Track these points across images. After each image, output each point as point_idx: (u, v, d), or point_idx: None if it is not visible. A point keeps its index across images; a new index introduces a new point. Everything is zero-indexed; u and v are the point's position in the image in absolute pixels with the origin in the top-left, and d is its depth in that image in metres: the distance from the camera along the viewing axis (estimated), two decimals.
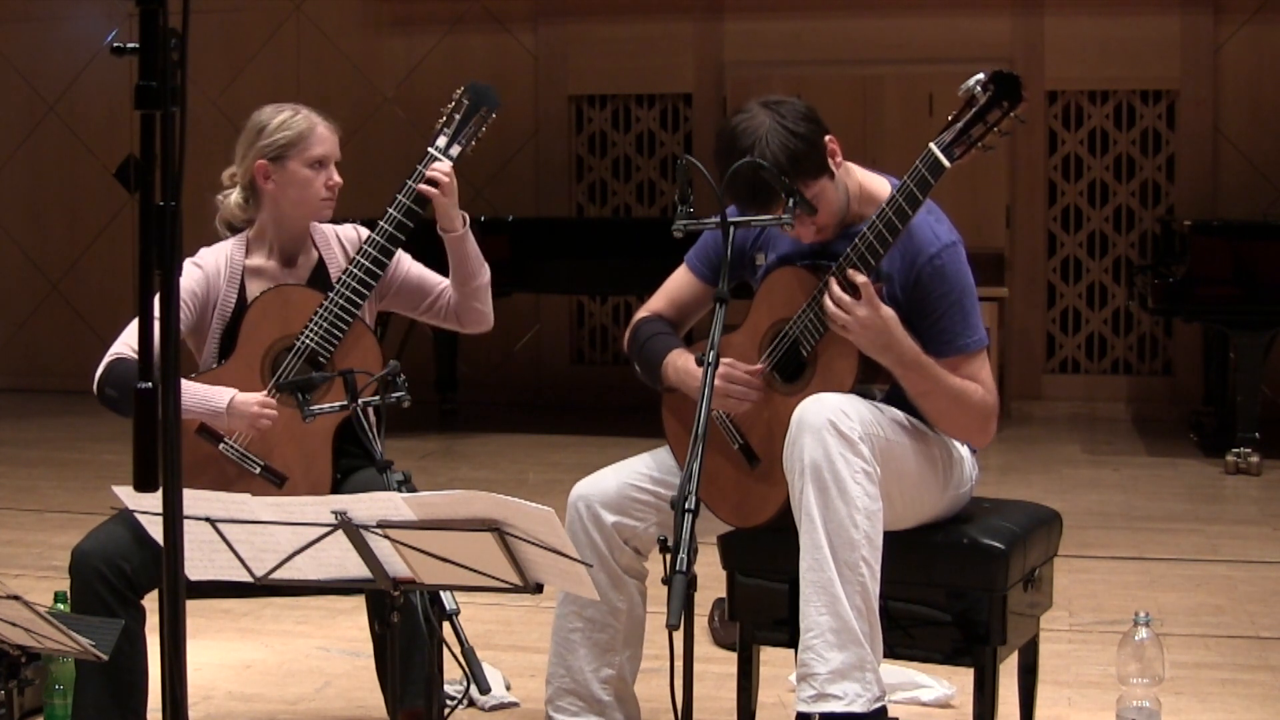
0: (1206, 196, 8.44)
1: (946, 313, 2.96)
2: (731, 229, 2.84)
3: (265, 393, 3.18)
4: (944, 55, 8.42)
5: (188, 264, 3.27)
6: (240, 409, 3.12)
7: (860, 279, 2.84)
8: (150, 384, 1.87)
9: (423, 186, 3.24)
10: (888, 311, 2.85)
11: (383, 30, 9.47)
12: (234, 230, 3.38)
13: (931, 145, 2.84)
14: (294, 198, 3.28)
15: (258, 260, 3.33)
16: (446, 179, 3.26)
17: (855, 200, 3.04)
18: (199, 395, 3.12)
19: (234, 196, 3.35)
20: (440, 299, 3.41)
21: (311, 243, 3.37)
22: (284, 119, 3.29)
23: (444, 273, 3.41)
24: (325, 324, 3.19)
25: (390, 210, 3.24)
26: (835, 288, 2.85)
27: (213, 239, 3.44)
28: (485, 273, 3.38)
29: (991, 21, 8.63)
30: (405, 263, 3.41)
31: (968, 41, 8.57)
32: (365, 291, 3.21)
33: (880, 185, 3.07)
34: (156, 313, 1.90)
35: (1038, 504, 3.31)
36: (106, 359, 3.14)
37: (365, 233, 3.36)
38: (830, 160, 2.95)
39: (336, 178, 3.32)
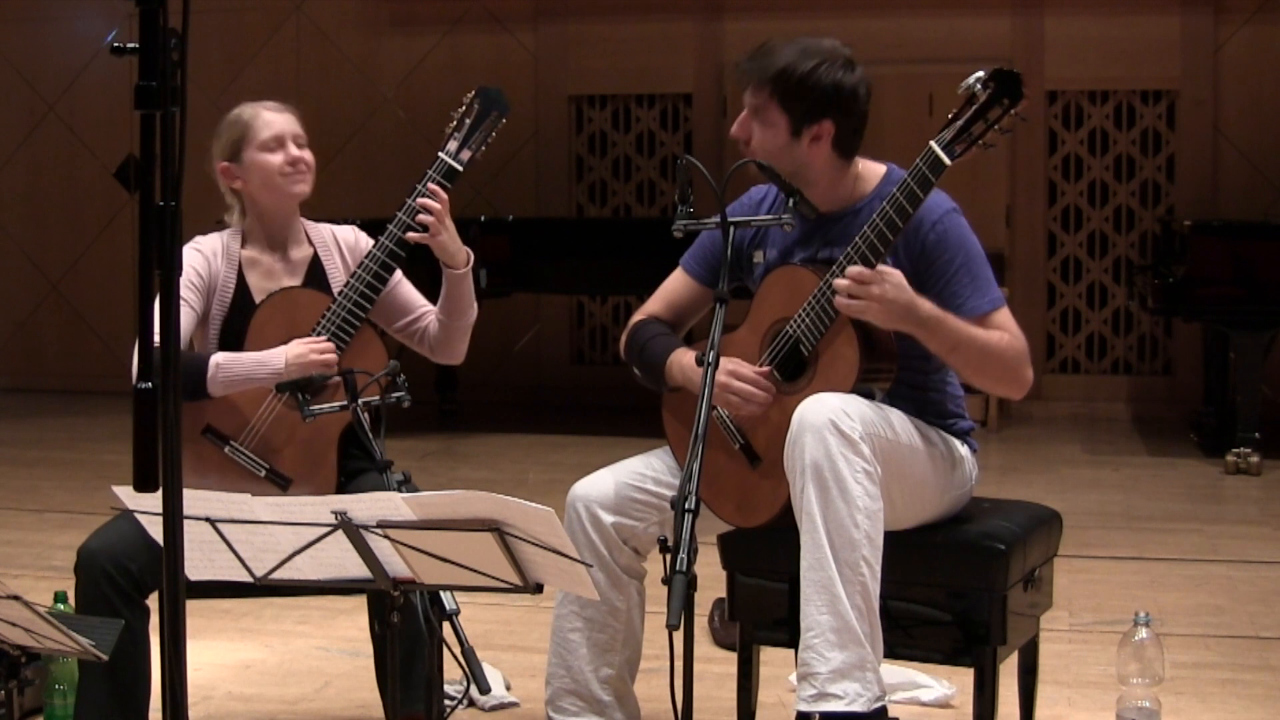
0: (1206, 196, 8.44)
1: (954, 277, 2.95)
2: (731, 229, 2.84)
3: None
4: (944, 55, 8.42)
5: (187, 248, 3.28)
6: (299, 360, 3.12)
7: (856, 269, 2.84)
8: (150, 384, 1.87)
9: (411, 235, 3.20)
10: (894, 274, 2.84)
11: (383, 30, 9.47)
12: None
13: (932, 143, 2.84)
14: (259, 184, 3.30)
15: (252, 251, 3.34)
16: (434, 219, 3.20)
17: (851, 178, 3.06)
18: (255, 361, 3.14)
19: (234, 214, 3.38)
20: (419, 322, 3.40)
21: (306, 237, 3.38)
22: (229, 119, 3.32)
23: (433, 299, 3.40)
24: (333, 328, 3.18)
25: (399, 214, 3.22)
26: (841, 283, 2.84)
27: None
28: (473, 312, 3.37)
29: (991, 21, 8.64)
30: (396, 276, 3.38)
31: (968, 41, 8.57)
32: (373, 295, 3.20)
33: (876, 167, 3.10)
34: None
35: (1038, 504, 3.31)
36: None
37: (364, 236, 3.38)
38: (812, 118, 2.97)
39: (296, 152, 3.30)
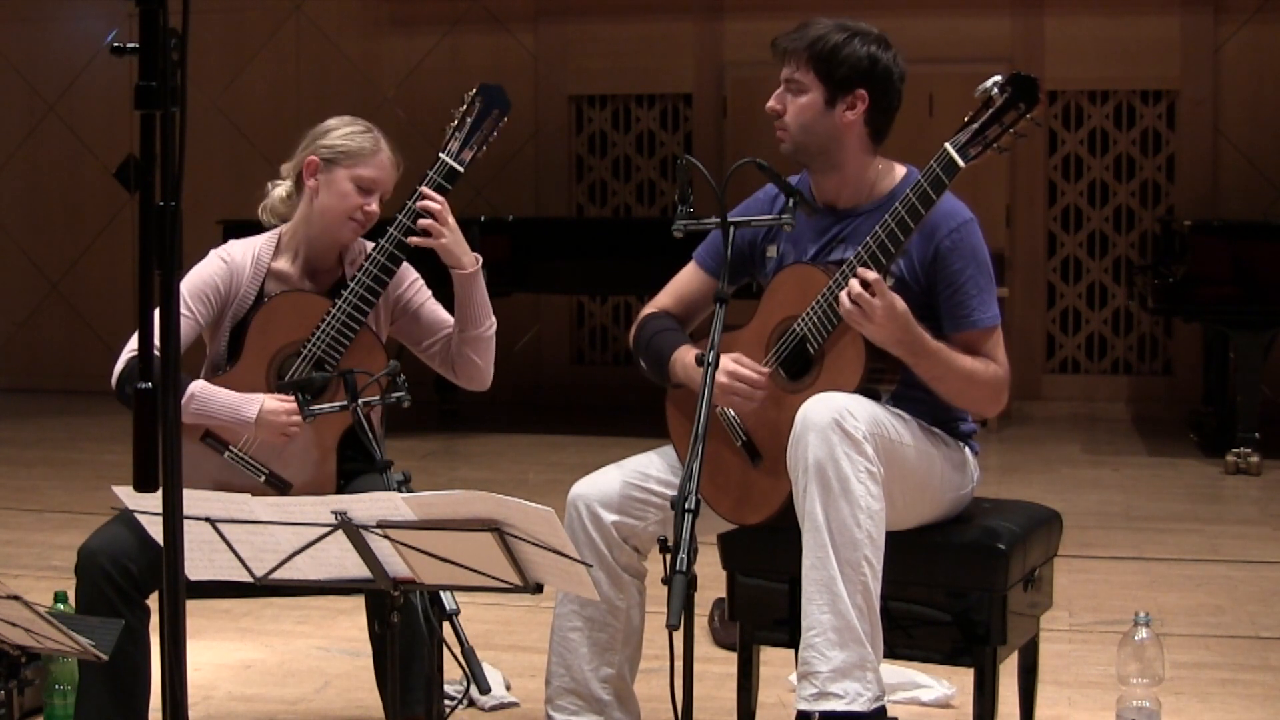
0: (1206, 196, 8.44)
1: (963, 286, 2.98)
2: (732, 229, 2.85)
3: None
4: (944, 55, 8.42)
5: (215, 256, 3.26)
6: (269, 419, 3.11)
7: (872, 275, 2.84)
8: (150, 384, 1.87)
9: (414, 240, 3.17)
10: (901, 305, 2.86)
11: (383, 30, 9.47)
12: (272, 225, 3.34)
13: (947, 145, 2.85)
14: (326, 204, 3.22)
15: (282, 264, 3.28)
16: (435, 222, 3.17)
17: (874, 173, 3.08)
18: (227, 402, 3.11)
19: (281, 189, 3.31)
20: (442, 342, 3.34)
21: (339, 262, 3.32)
22: (354, 130, 3.24)
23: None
24: (333, 331, 3.16)
25: (399, 216, 3.18)
26: (853, 286, 2.85)
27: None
28: (489, 324, 3.29)
29: (991, 21, 8.64)
30: (423, 294, 3.35)
31: (968, 41, 8.57)
32: (372, 299, 3.16)
33: (897, 167, 3.12)
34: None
35: (1038, 504, 3.31)
36: (125, 355, 3.12)
37: None
38: (846, 87, 3.00)
39: (374, 208, 3.23)
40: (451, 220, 3.21)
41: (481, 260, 3.26)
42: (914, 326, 2.87)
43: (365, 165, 3.21)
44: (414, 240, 3.17)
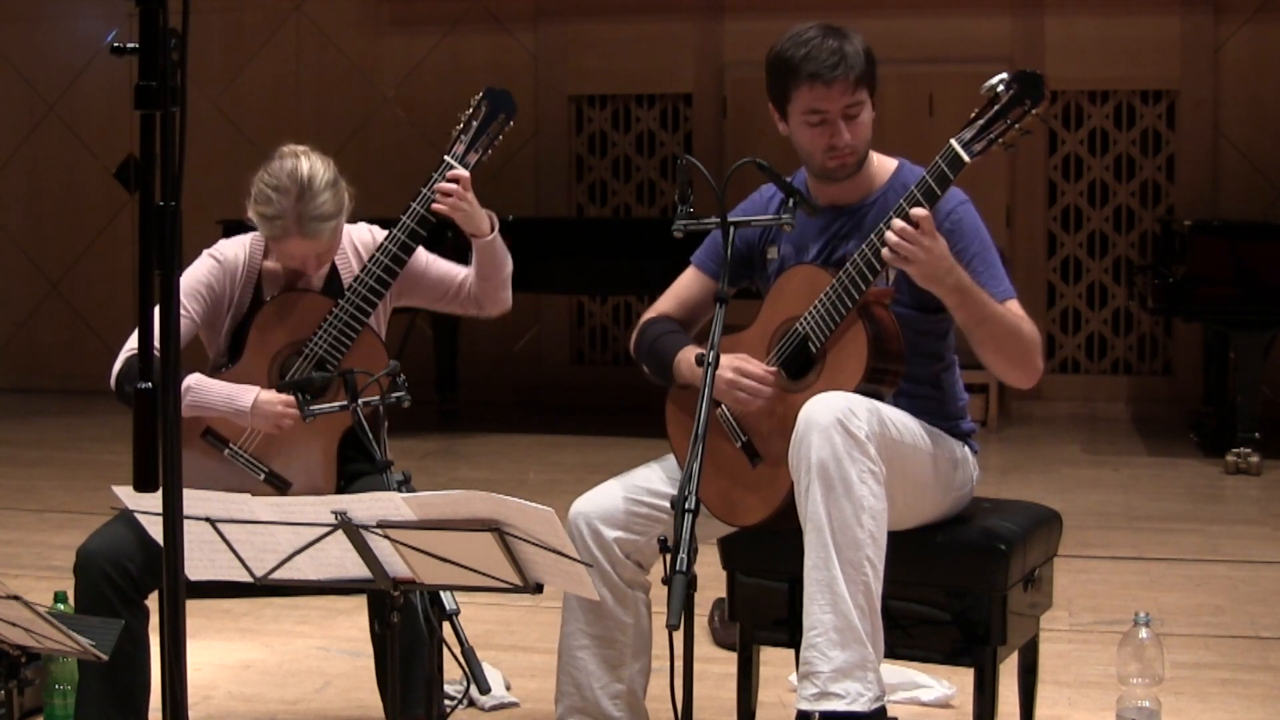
0: (1206, 196, 8.44)
1: (970, 264, 2.96)
2: (732, 229, 2.85)
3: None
4: (944, 55, 8.42)
5: (206, 256, 3.28)
6: (264, 408, 3.12)
7: (920, 213, 2.83)
8: (150, 384, 1.87)
9: (436, 206, 3.20)
10: (944, 243, 2.86)
11: (383, 30, 9.47)
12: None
13: (952, 141, 2.86)
14: (290, 264, 3.27)
15: (273, 262, 3.31)
16: (454, 193, 3.21)
17: (870, 167, 3.08)
18: (223, 393, 3.14)
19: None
20: (462, 289, 3.41)
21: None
22: (268, 211, 3.16)
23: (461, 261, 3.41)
24: (335, 331, 3.17)
25: (404, 219, 3.20)
26: (898, 223, 2.83)
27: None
28: (509, 265, 3.40)
29: (991, 21, 8.64)
30: (424, 260, 3.38)
31: (968, 41, 8.57)
32: (375, 299, 3.19)
33: (888, 160, 3.12)
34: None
35: (1038, 504, 3.31)
36: (123, 355, 3.14)
37: (379, 233, 3.33)
38: (874, 90, 3.04)
39: (322, 270, 3.27)
40: (470, 194, 3.24)
41: (497, 221, 3.32)
42: (957, 266, 2.87)
43: (289, 252, 3.20)
44: (436, 206, 3.21)
